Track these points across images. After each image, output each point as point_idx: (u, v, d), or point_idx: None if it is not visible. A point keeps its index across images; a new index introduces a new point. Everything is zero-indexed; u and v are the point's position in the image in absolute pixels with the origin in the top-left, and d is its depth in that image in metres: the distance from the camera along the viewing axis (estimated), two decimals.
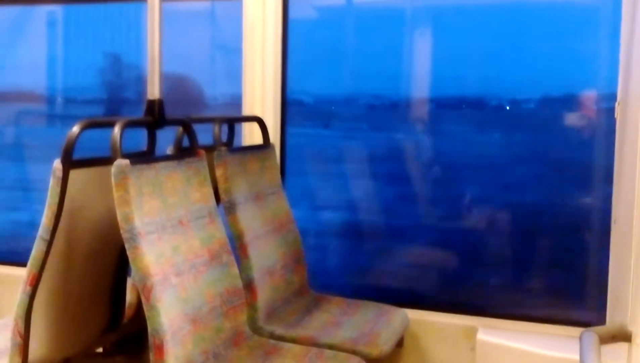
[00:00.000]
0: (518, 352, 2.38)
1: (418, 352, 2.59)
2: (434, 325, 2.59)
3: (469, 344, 2.53)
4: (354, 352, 2.09)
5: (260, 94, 2.77)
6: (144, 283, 1.72)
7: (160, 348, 1.72)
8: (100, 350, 2.28)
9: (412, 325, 2.55)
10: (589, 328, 1.80)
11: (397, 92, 2.91)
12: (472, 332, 2.53)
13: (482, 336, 2.48)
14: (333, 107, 3.05)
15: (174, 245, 1.88)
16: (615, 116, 2.35)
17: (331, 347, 2.11)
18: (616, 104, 2.35)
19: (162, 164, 1.92)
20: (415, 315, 2.58)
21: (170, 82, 2.52)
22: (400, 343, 2.45)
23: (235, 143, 2.63)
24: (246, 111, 2.78)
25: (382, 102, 2.94)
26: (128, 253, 1.73)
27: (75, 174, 1.82)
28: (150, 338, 1.72)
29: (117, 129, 1.77)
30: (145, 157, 2.03)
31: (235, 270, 2.12)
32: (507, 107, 2.75)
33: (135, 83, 3.35)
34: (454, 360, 2.57)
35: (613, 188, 2.39)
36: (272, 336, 2.19)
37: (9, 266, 3.16)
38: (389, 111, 2.95)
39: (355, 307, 2.49)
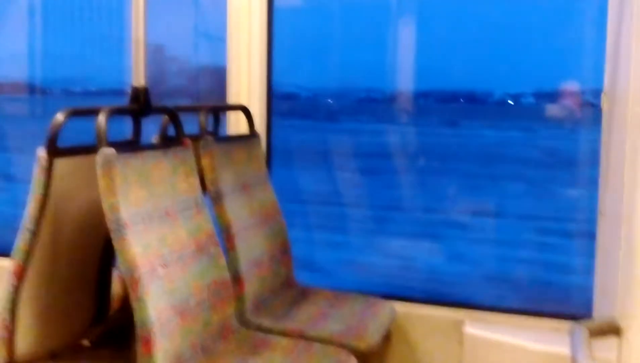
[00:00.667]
0: (505, 346, 2.38)
1: (405, 345, 2.59)
2: (421, 318, 2.59)
3: (457, 337, 2.53)
4: (342, 346, 2.08)
5: (246, 83, 2.74)
6: (131, 274, 1.70)
7: (147, 342, 1.70)
8: (87, 343, 2.25)
9: (400, 318, 2.55)
10: (578, 322, 1.81)
11: (388, 85, 2.90)
12: (459, 325, 2.53)
13: (469, 329, 2.48)
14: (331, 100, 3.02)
15: (161, 236, 1.85)
16: (602, 106, 2.34)
17: (319, 340, 2.10)
18: (602, 94, 2.33)
19: (148, 154, 1.89)
20: (402, 308, 2.57)
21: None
22: (387, 336, 2.45)
23: (221, 133, 2.61)
24: (231, 100, 2.75)
25: (378, 96, 2.92)
26: (114, 243, 1.70)
27: (60, 163, 1.80)
28: (137, 331, 1.70)
29: (101, 117, 1.74)
30: (131, 146, 2.00)
31: (222, 261, 2.09)
32: (510, 102, 2.75)
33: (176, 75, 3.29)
34: (441, 353, 2.57)
35: (600, 180, 2.39)
36: (260, 329, 2.18)
37: None
38: (385, 104, 2.93)
39: (342, 300, 2.48)
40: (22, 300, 1.80)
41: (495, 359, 2.39)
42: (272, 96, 2.80)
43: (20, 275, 1.78)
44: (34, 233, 1.77)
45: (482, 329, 2.47)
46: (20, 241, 1.77)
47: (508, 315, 2.57)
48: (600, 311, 2.37)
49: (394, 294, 2.64)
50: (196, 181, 2.09)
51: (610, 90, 2.30)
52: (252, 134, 2.59)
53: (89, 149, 1.77)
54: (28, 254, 1.78)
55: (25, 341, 1.85)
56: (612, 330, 1.90)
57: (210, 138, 2.26)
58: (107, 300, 2.18)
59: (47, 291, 1.89)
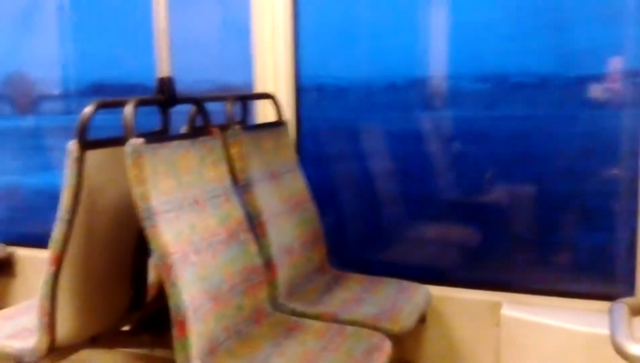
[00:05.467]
0: (544, 327, 2.43)
1: (441, 329, 2.68)
2: (457, 301, 2.67)
3: (494, 320, 2.60)
4: (376, 328, 2.18)
5: (272, 71, 2.86)
6: (164, 261, 1.84)
7: (182, 325, 1.83)
8: (127, 328, 2.41)
9: (435, 302, 2.64)
10: (618, 300, 1.80)
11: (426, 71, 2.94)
12: (496, 308, 2.60)
13: (506, 311, 2.54)
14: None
15: (191, 224, 1.99)
16: None
17: (352, 323, 2.21)
18: None
19: (176, 143, 2.03)
20: (438, 292, 2.66)
21: None
22: (422, 320, 2.54)
23: (249, 122, 2.73)
24: (258, 88, 2.88)
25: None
26: (147, 231, 1.84)
27: (91, 155, 1.94)
28: (172, 315, 1.84)
29: (128, 109, 1.88)
30: (159, 136, 2.13)
31: (253, 248, 2.22)
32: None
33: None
34: (478, 336, 2.65)
35: None
36: (294, 313, 2.30)
37: (39, 248, 3.30)
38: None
39: (376, 284, 2.59)
40: (61, 287, 1.96)
41: (533, 341, 2.44)
42: (300, 82, 2.91)
43: (57, 263, 1.93)
44: (69, 223, 1.92)
45: (520, 311, 2.53)
46: (57, 231, 1.93)
47: (546, 297, 2.62)
48: None
49: (429, 277, 2.73)
50: (224, 170, 2.22)
51: None
52: (280, 121, 2.71)
53: (119, 141, 1.90)
54: (64, 243, 1.93)
55: (65, 327, 2.01)
56: None
57: (237, 127, 2.39)
58: (144, 287, 2.34)
59: (84, 278, 2.04)
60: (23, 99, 3.80)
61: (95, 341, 2.24)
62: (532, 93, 2.76)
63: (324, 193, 2.97)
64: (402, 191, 3.08)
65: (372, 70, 3.01)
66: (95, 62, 3.53)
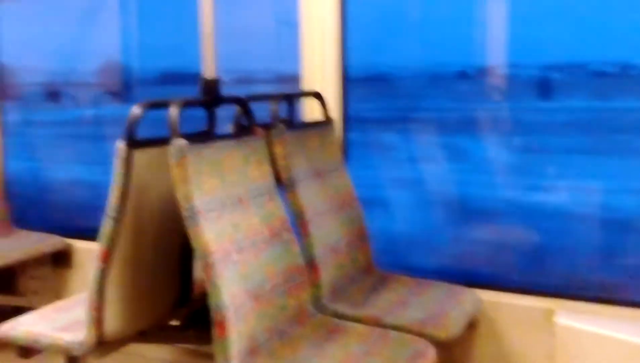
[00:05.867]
0: (603, 338, 2.33)
1: (492, 336, 2.62)
2: (509, 307, 2.60)
3: (548, 328, 2.52)
4: (421, 334, 2.15)
5: (320, 68, 2.86)
6: (205, 260, 1.87)
7: (222, 324, 1.86)
8: (174, 323, 2.47)
9: (486, 307, 2.59)
10: None
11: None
12: (550, 315, 2.52)
13: (561, 320, 2.46)
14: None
15: (234, 223, 2.02)
16: None
17: (397, 327, 2.19)
18: None
19: (220, 143, 2.06)
20: (488, 296, 2.61)
21: None
22: (472, 327, 2.50)
23: (296, 120, 2.74)
24: (306, 86, 2.89)
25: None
26: (189, 230, 1.88)
27: (138, 154, 1.99)
28: (212, 314, 1.87)
29: (173, 110, 1.92)
30: (203, 136, 2.17)
31: (296, 248, 2.24)
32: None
33: None
34: (531, 345, 2.57)
35: None
36: (336, 315, 2.30)
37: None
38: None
39: (423, 287, 2.56)
40: (109, 282, 2.02)
41: (591, 352, 2.36)
42: (347, 80, 2.91)
43: (105, 259, 2.00)
44: (117, 220, 1.98)
45: (576, 320, 2.44)
46: (105, 228, 1.99)
47: (606, 306, 2.52)
48: None
49: (479, 282, 2.69)
50: (268, 169, 2.24)
51: None
52: (326, 120, 2.72)
53: (165, 141, 1.95)
54: (112, 240, 1.99)
55: (113, 321, 2.08)
56: None
57: (281, 126, 2.40)
58: (190, 284, 2.39)
59: (132, 274, 2.11)
60: (117, 88, 3.90)
61: (143, 336, 2.31)
62: (612, 82, 2.67)
63: (371, 190, 2.97)
64: (455, 189, 3.05)
65: (430, 59, 2.98)
66: (166, 52, 3.61)
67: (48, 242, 3.47)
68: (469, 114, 2.98)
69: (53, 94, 4.04)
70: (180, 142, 1.88)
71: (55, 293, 3.45)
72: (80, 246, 3.49)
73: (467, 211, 3.03)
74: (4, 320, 2.27)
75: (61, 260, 3.53)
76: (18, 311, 2.38)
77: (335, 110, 2.85)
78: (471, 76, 2.99)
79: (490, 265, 2.92)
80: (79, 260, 3.50)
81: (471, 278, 2.73)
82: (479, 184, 2.98)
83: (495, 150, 2.98)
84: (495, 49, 2.92)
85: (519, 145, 2.95)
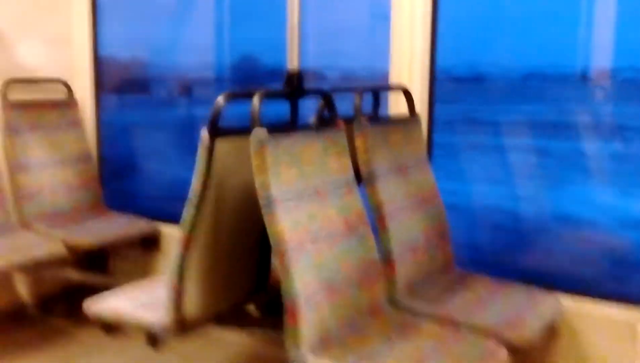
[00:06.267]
0: None
1: (572, 344, 2.55)
2: (591, 315, 2.54)
3: (632, 339, 2.43)
4: (495, 337, 2.12)
5: (408, 63, 2.86)
6: (279, 248, 1.93)
7: (293, 312, 1.91)
8: (252, 310, 2.55)
9: (567, 313, 2.53)
10: None
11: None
12: (635, 327, 2.43)
13: None
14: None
15: (310, 213, 2.06)
16: None
17: (470, 328, 2.18)
18: None
19: (299, 134, 2.11)
20: (570, 302, 2.55)
21: None
22: (551, 333, 2.45)
23: (381, 114, 2.76)
24: (393, 79, 2.89)
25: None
26: (264, 218, 1.94)
27: (220, 143, 2.07)
28: (284, 302, 1.92)
29: (256, 100, 1.98)
30: (284, 127, 2.22)
31: (372, 241, 2.26)
32: None
33: None
34: (612, 356, 2.49)
35: None
36: (410, 311, 2.31)
37: None
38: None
39: (502, 289, 2.52)
40: (189, 266, 2.12)
41: None
42: (435, 77, 2.90)
43: (186, 243, 2.09)
44: (198, 207, 2.07)
45: None
46: (187, 214, 2.08)
47: None
48: None
49: (561, 286, 2.63)
50: (348, 162, 2.27)
51: None
52: (412, 115, 2.72)
53: (246, 131, 2.01)
54: (193, 225, 2.08)
55: (192, 303, 2.17)
56: None
57: (364, 120, 2.42)
58: (268, 271, 2.46)
59: (210, 259, 2.20)
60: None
61: (220, 320, 2.40)
62: None
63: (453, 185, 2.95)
64: (543, 190, 2.98)
65: (527, 60, 2.92)
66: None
67: (138, 225, 3.64)
68: (567, 118, 2.91)
69: (187, 89, 4.18)
70: (260, 132, 1.94)
71: (144, 274, 3.62)
72: (168, 230, 3.64)
73: (557, 219, 2.95)
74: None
75: (150, 243, 3.70)
76: (108, 290, 2.52)
77: (421, 107, 2.84)
78: (574, 78, 2.91)
79: (576, 271, 2.84)
80: (166, 243, 3.66)
81: (555, 282, 2.67)
82: (575, 191, 2.90)
83: (592, 155, 2.89)
84: (599, 50, 2.83)
85: (617, 151, 2.85)
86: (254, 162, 1.95)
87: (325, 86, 2.92)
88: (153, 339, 2.23)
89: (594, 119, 2.85)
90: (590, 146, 2.86)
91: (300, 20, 2.19)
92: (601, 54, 2.83)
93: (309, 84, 3.09)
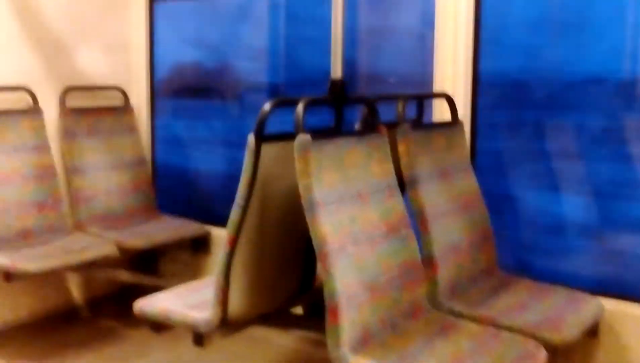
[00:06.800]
0: None
1: (613, 346, 2.59)
2: (634, 318, 2.57)
3: None
4: (534, 337, 2.19)
5: (452, 69, 2.94)
6: (321, 249, 2.02)
7: (334, 312, 2.00)
8: (298, 311, 2.65)
9: (609, 317, 2.56)
10: None
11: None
12: None
13: None
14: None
15: (352, 216, 2.16)
16: None
17: (510, 328, 2.24)
18: None
19: (343, 140, 2.21)
20: (613, 306, 2.59)
21: None
22: (593, 335, 2.49)
23: (425, 120, 2.84)
24: (437, 87, 2.98)
25: None
26: (307, 220, 2.04)
27: (266, 148, 2.18)
28: (326, 301, 2.02)
29: (300, 107, 2.09)
30: (328, 133, 2.33)
31: (414, 244, 2.34)
32: None
33: None
34: None
35: None
36: (452, 312, 2.38)
37: None
38: None
39: (545, 292, 2.58)
40: (235, 266, 2.23)
41: None
42: (479, 83, 2.96)
43: (232, 244, 2.20)
44: (245, 209, 2.18)
45: None
46: (233, 215, 2.19)
47: None
48: None
49: (604, 290, 2.66)
50: (390, 167, 2.36)
51: None
52: (454, 121, 2.79)
53: (291, 136, 2.12)
54: (239, 227, 2.19)
55: (237, 302, 2.28)
56: None
57: (407, 125, 2.51)
58: (313, 273, 2.56)
59: (256, 259, 2.30)
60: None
61: (264, 320, 2.50)
62: None
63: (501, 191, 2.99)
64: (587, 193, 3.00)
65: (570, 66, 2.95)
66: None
67: (189, 228, 3.80)
68: (609, 125, 2.93)
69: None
70: (304, 137, 2.05)
71: (193, 276, 3.75)
72: (218, 233, 3.78)
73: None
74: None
75: (201, 245, 3.84)
76: (158, 291, 2.62)
77: (465, 111, 2.91)
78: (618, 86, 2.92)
79: (620, 273, 2.86)
80: (217, 245, 3.79)
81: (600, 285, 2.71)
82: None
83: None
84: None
85: None
86: (298, 166, 2.05)
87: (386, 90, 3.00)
88: (199, 338, 2.31)
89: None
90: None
91: (344, 27, 2.29)
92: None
93: (373, 87, 3.18)
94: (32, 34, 3.69)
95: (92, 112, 3.91)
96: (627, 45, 2.81)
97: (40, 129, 3.62)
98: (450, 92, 2.86)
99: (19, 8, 3.62)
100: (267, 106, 2.16)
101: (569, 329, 2.27)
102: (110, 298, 3.99)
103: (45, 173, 3.59)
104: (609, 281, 2.80)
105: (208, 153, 4.29)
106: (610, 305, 2.58)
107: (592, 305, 2.49)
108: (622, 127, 2.86)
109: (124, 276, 3.68)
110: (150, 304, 2.44)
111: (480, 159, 3.00)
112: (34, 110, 3.62)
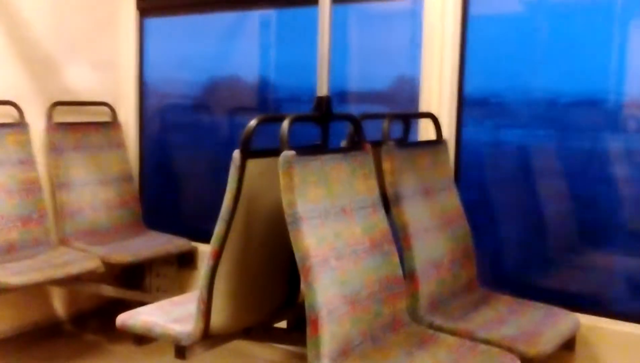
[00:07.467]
0: None
1: (590, 360, 2.69)
2: (610, 334, 2.67)
3: None
4: (510, 350, 2.28)
5: (437, 90, 3.05)
6: (303, 263, 2.10)
7: (315, 324, 2.08)
8: (281, 325, 2.71)
9: (585, 332, 2.67)
10: None
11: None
12: None
13: None
14: None
15: (336, 231, 2.24)
16: None
17: (487, 342, 2.34)
18: None
19: (327, 157, 2.30)
20: (589, 321, 2.70)
21: None
22: (569, 349, 2.59)
23: (410, 139, 2.95)
24: (423, 107, 3.08)
25: None
26: (290, 235, 2.12)
27: (251, 163, 2.26)
28: (307, 313, 2.10)
29: (285, 124, 2.18)
30: (313, 149, 2.42)
31: (396, 259, 2.43)
32: None
33: None
34: None
35: None
36: (432, 326, 2.47)
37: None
38: None
39: (524, 307, 2.68)
40: (218, 279, 2.29)
41: None
42: (464, 103, 3.08)
43: (216, 257, 2.27)
44: (229, 223, 2.25)
45: None
46: (218, 229, 2.27)
47: None
48: None
49: (581, 305, 2.77)
50: (374, 183, 2.46)
51: None
52: (439, 140, 2.90)
53: (275, 152, 2.20)
54: (223, 240, 2.26)
55: (220, 316, 2.34)
56: None
57: (391, 143, 2.61)
58: (297, 288, 2.63)
59: (240, 273, 2.37)
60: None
61: (247, 334, 2.58)
62: None
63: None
64: (567, 213, 3.10)
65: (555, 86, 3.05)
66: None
67: (176, 243, 3.86)
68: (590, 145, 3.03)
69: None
70: (288, 153, 2.14)
71: (179, 292, 3.81)
72: (205, 249, 3.84)
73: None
74: None
75: (186, 260, 3.91)
76: (143, 306, 2.66)
77: (450, 130, 3.02)
78: (597, 105, 3.03)
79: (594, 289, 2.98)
80: (203, 261, 3.84)
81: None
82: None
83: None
84: (631, 77, 2.95)
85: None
86: (282, 181, 2.14)
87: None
88: (181, 351, 2.35)
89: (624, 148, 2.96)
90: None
91: (331, 46, 2.38)
92: (634, 81, 2.94)
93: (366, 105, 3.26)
94: (20, 49, 3.77)
95: (79, 127, 3.98)
96: (612, 66, 2.93)
97: (26, 143, 3.68)
98: (435, 112, 2.97)
99: (8, 23, 3.71)
100: (253, 123, 2.25)
101: (545, 342, 2.36)
102: (95, 313, 4.05)
103: (30, 188, 3.64)
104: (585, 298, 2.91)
105: (196, 169, 4.36)
106: (587, 320, 2.68)
107: (569, 319, 2.60)
108: (606, 149, 2.97)
109: (109, 291, 3.72)
110: (132, 317, 2.48)
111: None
112: (20, 124, 3.69)
